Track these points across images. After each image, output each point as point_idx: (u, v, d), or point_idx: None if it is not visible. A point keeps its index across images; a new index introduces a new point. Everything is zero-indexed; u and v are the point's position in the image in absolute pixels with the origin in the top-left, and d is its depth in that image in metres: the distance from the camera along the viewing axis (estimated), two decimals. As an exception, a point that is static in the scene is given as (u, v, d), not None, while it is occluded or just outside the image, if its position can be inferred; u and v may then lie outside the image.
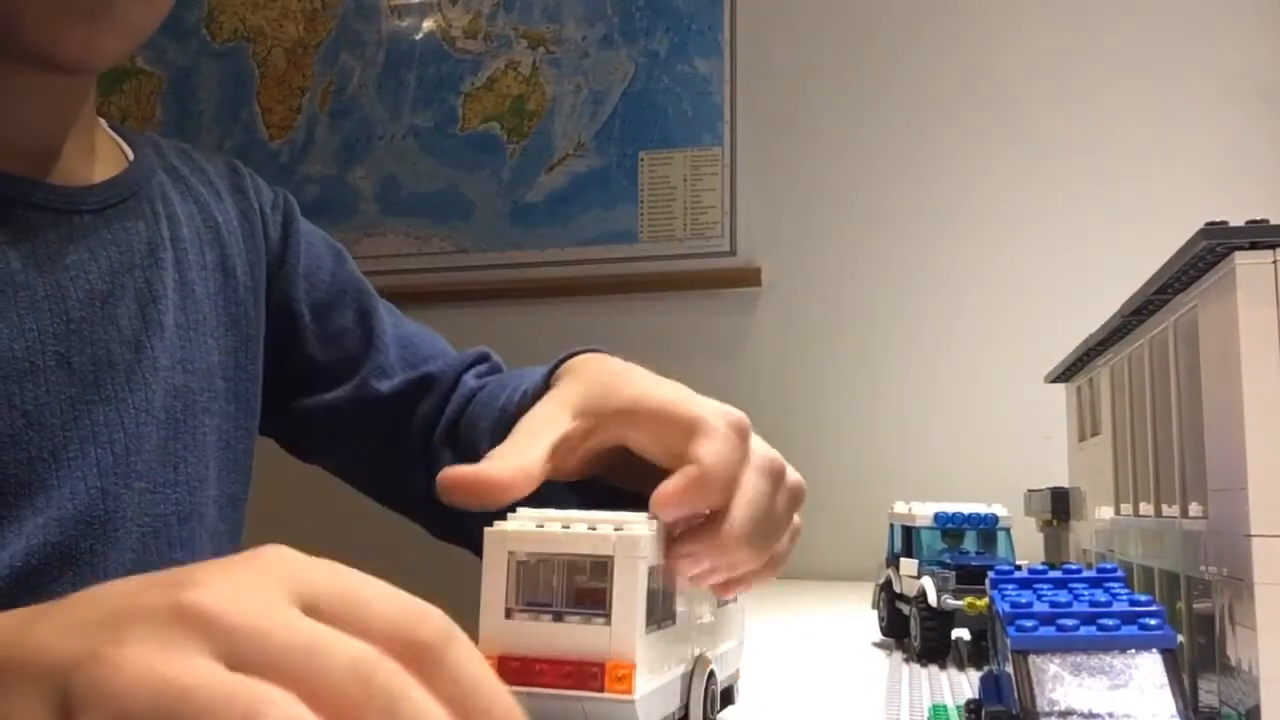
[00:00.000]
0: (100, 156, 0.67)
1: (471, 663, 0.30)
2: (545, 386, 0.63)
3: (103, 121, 0.69)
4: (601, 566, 0.41)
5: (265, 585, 0.30)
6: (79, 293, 0.60)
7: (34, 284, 0.58)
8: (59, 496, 0.57)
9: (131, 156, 0.69)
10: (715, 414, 0.50)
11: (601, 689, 0.40)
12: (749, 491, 0.49)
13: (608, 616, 0.41)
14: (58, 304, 0.59)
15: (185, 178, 0.73)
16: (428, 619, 0.30)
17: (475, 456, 0.68)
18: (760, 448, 0.52)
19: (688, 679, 0.47)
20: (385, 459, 0.77)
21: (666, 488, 0.46)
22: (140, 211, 0.66)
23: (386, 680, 0.28)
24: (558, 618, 0.42)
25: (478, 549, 0.44)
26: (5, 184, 0.59)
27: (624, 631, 0.40)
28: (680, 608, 0.46)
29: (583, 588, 0.41)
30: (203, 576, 0.30)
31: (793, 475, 0.54)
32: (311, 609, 0.30)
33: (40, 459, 0.57)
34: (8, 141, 0.60)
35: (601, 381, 0.58)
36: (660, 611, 0.44)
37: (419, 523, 0.78)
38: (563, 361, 0.67)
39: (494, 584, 0.42)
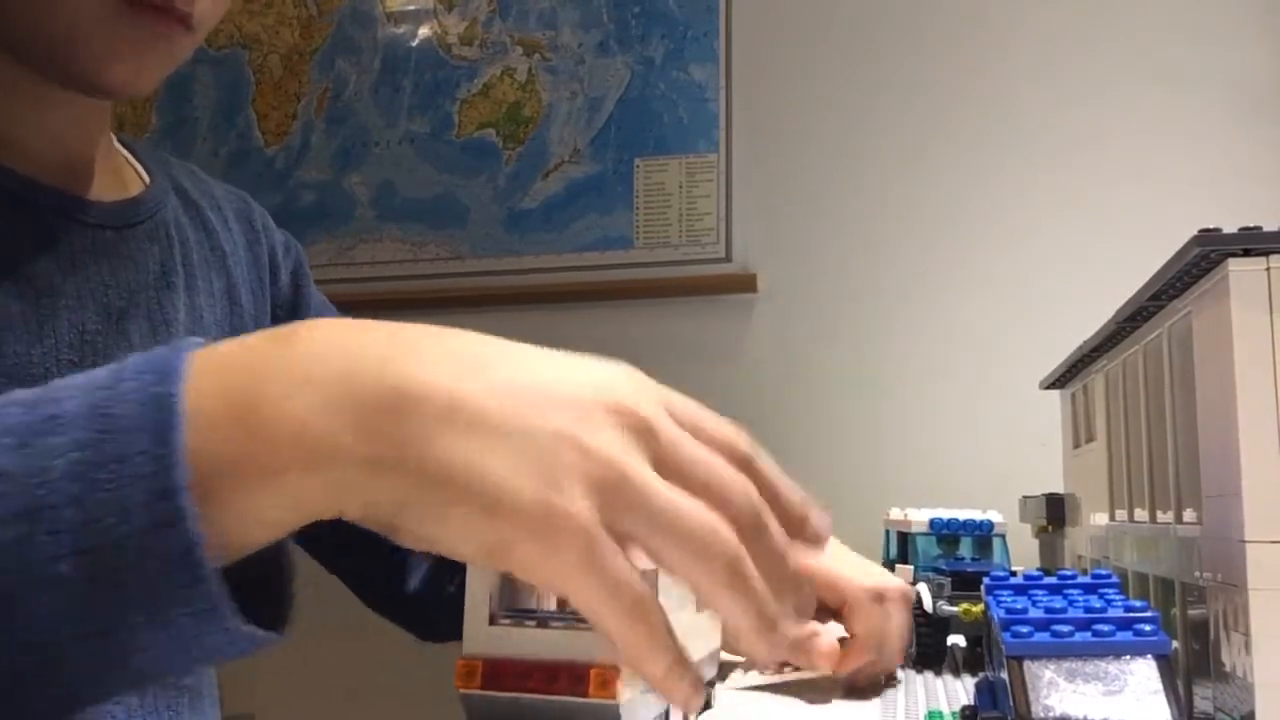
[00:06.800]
0: (120, 174, 0.68)
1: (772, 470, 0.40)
2: None
3: (111, 136, 0.70)
4: None
5: (657, 400, 0.39)
6: (97, 307, 0.61)
7: (58, 292, 0.59)
8: None
9: (147, 176, 0.70)
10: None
11: (586, 694, 0.40)
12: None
13: None
14: (76, 315, 0.60)
15: (195, 201, 0.74)
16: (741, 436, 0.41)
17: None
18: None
19: None
20: (366, 560, 0.79)
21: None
22: (156, 234, 0.67)
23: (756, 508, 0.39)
24: (542, 624, 0.42)
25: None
26: (43, 196, 0.60)
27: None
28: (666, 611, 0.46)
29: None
30: (624, 386, 0.39)
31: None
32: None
33: None
34: (45, 156, 0.61)
35: None
36: None
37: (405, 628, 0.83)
38: None
39: (478, 591, 0.42)
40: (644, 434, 0.38)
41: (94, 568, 0.33)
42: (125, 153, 0.71)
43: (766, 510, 0.40)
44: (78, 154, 0.64)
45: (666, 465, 0.38)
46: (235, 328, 0.73)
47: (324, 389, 0.35)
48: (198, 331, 0.68)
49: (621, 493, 0.36)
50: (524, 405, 0.36)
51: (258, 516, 0.35)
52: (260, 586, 0.38)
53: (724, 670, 0.65)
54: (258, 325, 0.75)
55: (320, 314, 0.81)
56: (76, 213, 0.62)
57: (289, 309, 0.79)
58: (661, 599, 0.46)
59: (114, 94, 0.59)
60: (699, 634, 0.53)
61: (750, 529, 0.38)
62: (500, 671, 0.41)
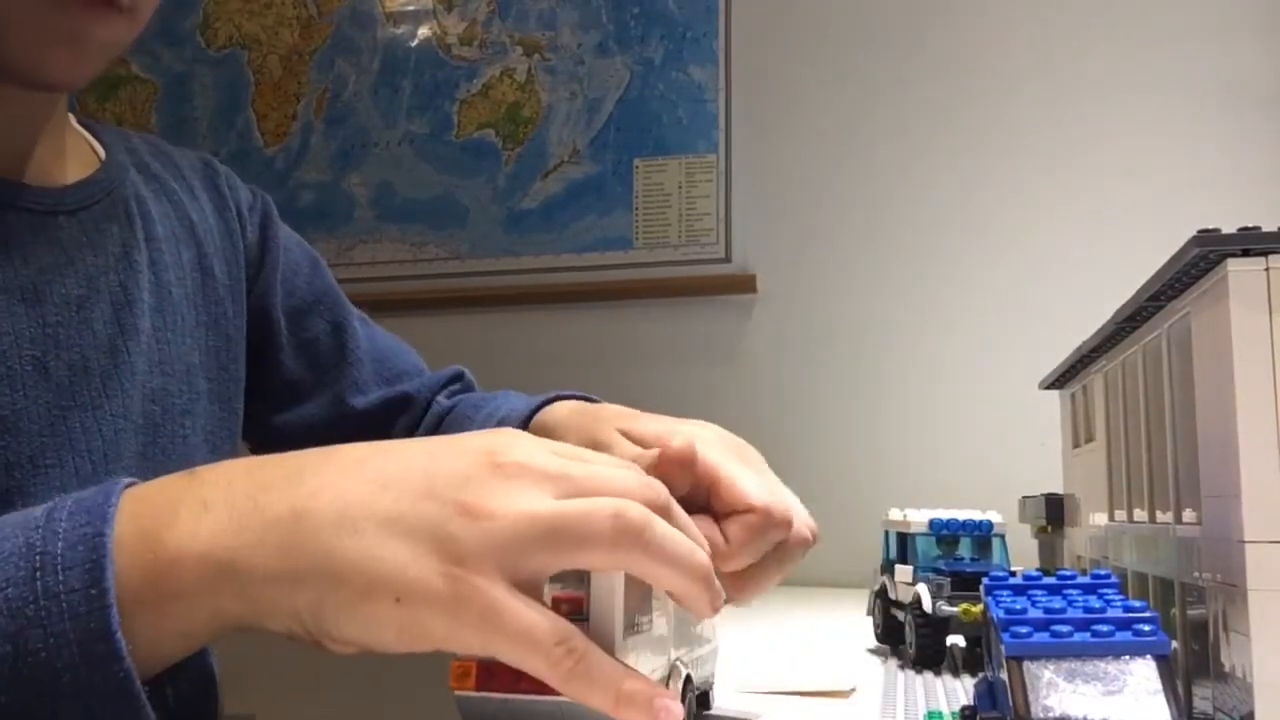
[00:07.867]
0: (72, 157, 0.66)
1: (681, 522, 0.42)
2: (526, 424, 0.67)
3: (71, 118, 0.68)
4: (579, 573, 0.41)
5: (537, 444, 0.41)
6: (55, 297, 0.59)
7: (10, 287, 0.57)
8: (36, 504, 0.57)
9: (103, 155, 0.68)
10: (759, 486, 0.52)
11: None
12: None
13: (586, 622, 0.41)
14: (34, 308, 0.58)
15: (158, 174, 0.72)
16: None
17: None
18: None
19: (664, 684, 0.47)
20: None
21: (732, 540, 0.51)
22: (114, 213, 0.65)
23: (658, 492, 0.42)
24: None
25: None
26: None
27: (603, 637, 0.40)
28: (657, 613, 0.46)
29: (560, 595, 0.41)
30: (498, 442, 0.41)
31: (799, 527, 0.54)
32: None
33: (17, 464, 0.56)
34: None
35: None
36: (637, 617, 0.44)
37: None
38: (548, 402, 0.70)
39: None
40: (535, 476, 0.39)
41: (27, 699, 0.35)
42: (85, 134, 0.69)
43: (668, 494, 0.42)
44: (22, 142, 0.62)
45: (567, 491, 0.39)
46: (209, 299, 0.71)
47: (231, 513, 0.38)
48: (165, 309, 0.67)
49: (528, 529, 0.37)
50: (409, 491, 0.38)
51: (175, 631, 0.38)
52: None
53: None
54: (233, 294, 0.74)
55: (288, 259, 0.80)
56: (23, 201, 0.60)
57: (258, 265, 0.78)
58: (658, 601, 0.46)
59: (52, 86, 0.57)
60: (692, 636, 0.53)
61: (660, 509, 0.40)
62: (494, 672, 0.41)
